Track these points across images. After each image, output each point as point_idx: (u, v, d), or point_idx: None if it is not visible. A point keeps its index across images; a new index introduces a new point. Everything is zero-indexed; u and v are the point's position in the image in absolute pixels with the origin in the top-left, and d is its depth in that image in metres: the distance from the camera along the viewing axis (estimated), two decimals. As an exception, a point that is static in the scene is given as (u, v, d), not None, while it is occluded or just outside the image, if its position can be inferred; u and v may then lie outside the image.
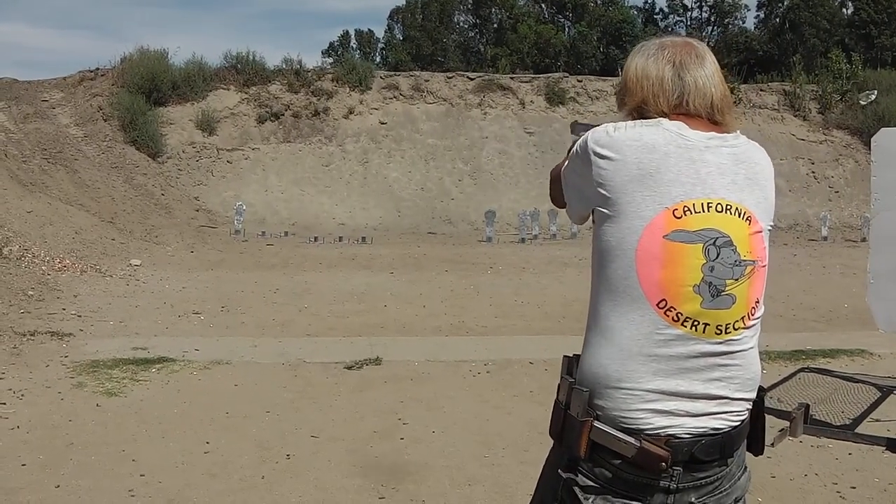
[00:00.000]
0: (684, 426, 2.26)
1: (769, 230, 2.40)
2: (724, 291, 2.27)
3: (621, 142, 2.33)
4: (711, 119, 2.41)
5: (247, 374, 8.60)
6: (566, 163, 2.57)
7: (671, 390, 2.26)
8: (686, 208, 2.28)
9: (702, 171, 2.32)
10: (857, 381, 8.73)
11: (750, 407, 2.37)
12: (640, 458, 2.24)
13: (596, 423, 2.30)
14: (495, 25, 66.68)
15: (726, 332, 2.29)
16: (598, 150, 2.35)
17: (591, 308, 2.45)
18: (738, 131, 2.46)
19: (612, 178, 2.32)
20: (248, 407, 7.45)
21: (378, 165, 29.27)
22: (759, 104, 34.73)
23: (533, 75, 35.53)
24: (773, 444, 6.59)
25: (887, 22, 55.54)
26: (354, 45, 77.63)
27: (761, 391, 2.43)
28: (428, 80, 32.57)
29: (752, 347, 2.36)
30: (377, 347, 9.69)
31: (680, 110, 2.40)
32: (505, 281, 16.01)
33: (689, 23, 69.18)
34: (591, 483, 2.32)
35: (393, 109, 31.40)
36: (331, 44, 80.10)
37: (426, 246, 22.14)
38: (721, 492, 2.33)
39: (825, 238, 26.81)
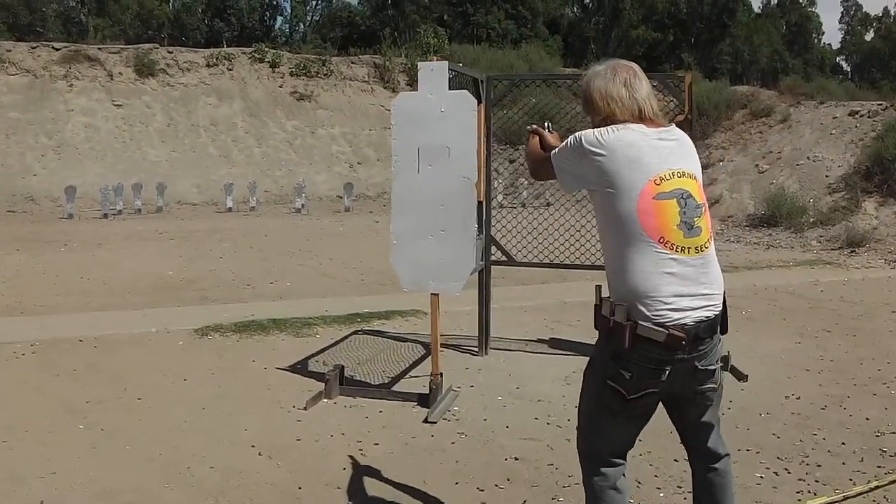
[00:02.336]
0: (690, 317, 3.45)
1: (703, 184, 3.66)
2: (694, 225, 3.49)
3: (610, 142, 3.50)
4: (653, 119, 3.61)
5: None
6: (558, 153, 3.73)
7: (679, 293, 3.44)
8: (661, 178, 3.48)
9: (663, 153, 3.52)
10: (406, 341, 9.17)
11: (722, 298, 3.60)
12: (669, 341, 3.40)
13: (640, 323, 3.43)
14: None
15: (702, 251, 3.51)
16: (594, 149, 3.52)
17: (610, 255, 3.59)
18: (673, 125, 3.69)
19: (609, 167, 3.48)
20: None
21: (-47, 142, 27.42)
22: (350, 76, 35.47)
23: (122, 46, 34.35)
24: (305, 408, 6.78)
25: (482, 1, 58.28)
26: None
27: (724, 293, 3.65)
28: (10, 51, 30.70)
29: (715, 258, 3.59)
30: None
31: (637, 118, 3.58)
32: (77, 258, 15.50)
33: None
34: (632, 364, 3.50)
35: (-30, 81, 29.47)
36: None
37: (1, 225, 21.00)
38: (710, 356, 3.58)
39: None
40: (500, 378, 7.81)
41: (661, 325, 3.42)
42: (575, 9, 68.81)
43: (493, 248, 8.72)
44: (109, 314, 10.51)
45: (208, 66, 33.08)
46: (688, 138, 3.72)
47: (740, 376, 7.74)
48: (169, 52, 33.28)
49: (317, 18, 69.77)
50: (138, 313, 10.53)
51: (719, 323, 3.59)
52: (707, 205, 3.63)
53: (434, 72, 6.91)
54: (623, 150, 3.48)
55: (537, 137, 4.20)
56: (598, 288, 3.70)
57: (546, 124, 4.26)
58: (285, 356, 8.41)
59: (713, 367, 3.63)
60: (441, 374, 7.03)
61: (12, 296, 11.72)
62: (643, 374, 3.50)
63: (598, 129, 3.57)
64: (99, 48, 32.56)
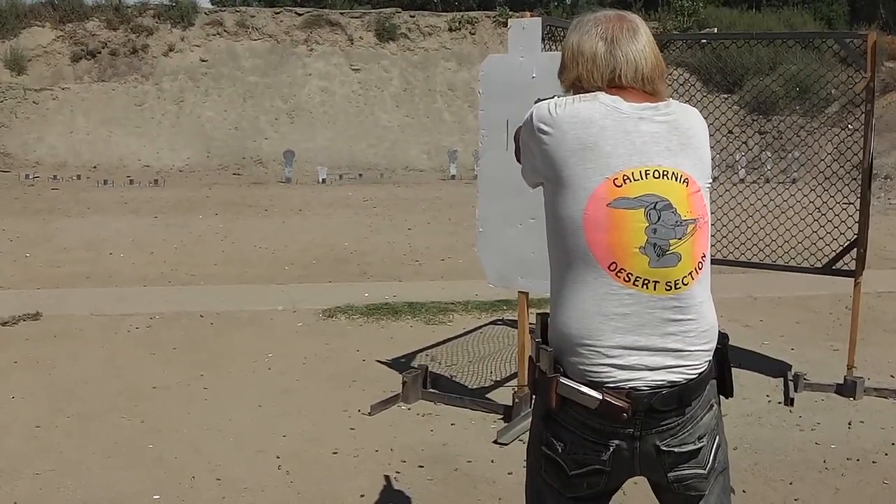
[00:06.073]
0: (644, 379, 2.40)
1: (707, 188, 2.57)
2: (668, 251, 2.41)
3: (561, 119, 2.46)
4: (644, 90, 2.53)
5: None
6: (520, 130, 2.72)
7: (630, 345, 2.41)
8: (625, 177, 2.41)
9: (637, 141, 2.44)
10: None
11: (709, 357, 2.51)
12: (603, 410, 2.40)
13: (562, 379, 2.45)
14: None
15: (676, 288, 2.43)
16: (541, 126, 2.49)
17: (551, 274, 2.57)
18: (669, 98, 2.56)
19: (555, 153, 2.46)
20: None
21: (193, 104, 28.16)
22: (598, 41, 34.38)
23: (364, 10, 34.48)
24: (371, 413, 6.01)
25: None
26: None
27: (725, 338, 2.59)
28: (254, 16, 31.35)
29: (703, 301, 2.49)
30: (49, 300, 9.07)
31: (614, 84, 2.52)
32: (265, 224, 15.34)
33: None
34: (564, 430, 2.50)
35: (216, 47, 30.20)
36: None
37: (218, 188, 21.28)
38: (684, 432, 2.48)
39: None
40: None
41: (596, 384, 2.42)
42: (863, -31, 64.62)
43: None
44: (249, 287, 10.12)
45: (450, 30, 32.68)
46: (696, 119, 2.59)
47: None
48: (411, 16, 33.07)
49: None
50: (279, 288, 10.03)
51: (699, 390, 2.50)
52: (705, 221, 2.52)
53: (526, 30, 5.80)
54: (575, 130, 2.44)
55: None
56: (543, 317, 2.64)
57: (554, 97, 3.16)
58: (398, 346, 7.64)
59: (691, 448, 2.52)
60: (530, 385, 6.06)
61: (174, 263, 11.55)
62: (579, 446, 2.50)
63: (557, 99, 2.53)
64: (341, 13, 32.71)
